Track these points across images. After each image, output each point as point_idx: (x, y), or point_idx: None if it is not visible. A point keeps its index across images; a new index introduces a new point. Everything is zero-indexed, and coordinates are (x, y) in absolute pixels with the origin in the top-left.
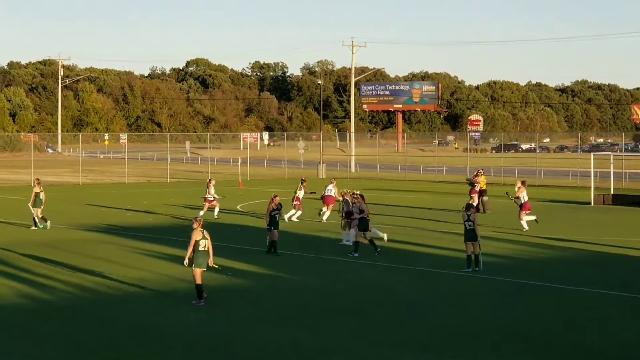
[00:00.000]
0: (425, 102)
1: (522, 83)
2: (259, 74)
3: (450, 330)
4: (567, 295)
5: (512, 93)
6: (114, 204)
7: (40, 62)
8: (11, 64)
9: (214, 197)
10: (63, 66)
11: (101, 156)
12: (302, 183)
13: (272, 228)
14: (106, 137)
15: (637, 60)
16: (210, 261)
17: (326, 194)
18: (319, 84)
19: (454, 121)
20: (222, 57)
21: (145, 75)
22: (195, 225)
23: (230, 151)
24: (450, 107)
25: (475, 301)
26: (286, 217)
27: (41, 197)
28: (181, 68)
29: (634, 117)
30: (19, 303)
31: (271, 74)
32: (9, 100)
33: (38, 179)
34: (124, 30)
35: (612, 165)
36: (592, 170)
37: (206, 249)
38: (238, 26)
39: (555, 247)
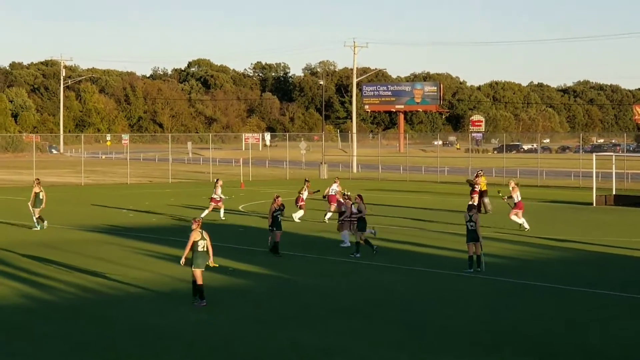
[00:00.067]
0: (427, 102)
1: (524, 83)
2: (260, 74)
3: (451, 330)
4: (568, 295)
5: (513, 93)
6: (116, 204)
7: (42, 63)
8: (13, 65)
9: (220, 198)
10: (65, 67)
11: (103, 157)
12: (305, 183)
13: (274, 229)
14: (108, 138)
15: (639, 60)
16: (211, 261)
17: (330, 193)
18: (320, 84)
19: (456, 122)
20: (224, 57)
21: (147, 75)
22: (194, 226)
23: (232, 152)
24: (452, 108)
25: (475, 301)
26: (296, 218)
27: (41, 197)
28: (183, 69)
29: (636, 117)
30: (20, 303)
31: (273, 74)
32: (11, 101)
33: (38, 179)
34: (126, 31)
35: (614, 165)
36: (594, 170)
37: (205, 249)
38: (240, 27)
39: (556, 248)
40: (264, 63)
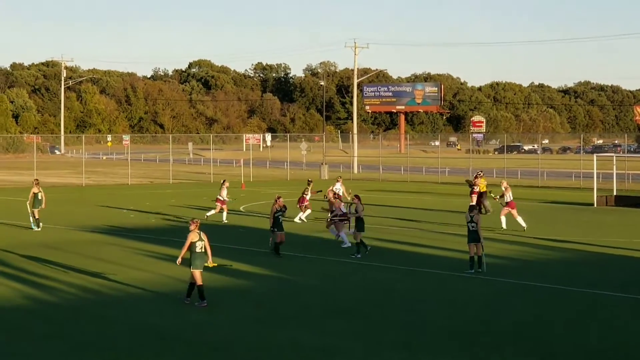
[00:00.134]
0: (428, 103)
1: (525, 84)
2: (261, 75)
3: (451, 330)
4: (568, 296)
5: (514, 94)
6: (117, 205)
7: (43, 64)
8: (14, 66)
9: (224, 199)
10: (66, 67)
11: (104, 157)
12: (308, 184)
13: (276, 230)
14: (109, 139)
15: None
16: (209, 262)
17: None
18: (321, 85)
19: (457, 122)
20: (225, 58)
21: (148, 76)
22: (192, 227)
23: (233, 152)
24: (453, 109)
25: (476, 302)
26: (302, 217)
27: (40, 198)
28: (184, 69)
29: (637, 118)
30: (21, 304)
31: (274, 75)
32: (12, 102)
33: (37, 180)
34: (126, 32)
35: (614, 166)
36: (595, 171)
37: (203, 250)
38: (240, 27)
39: (557, 249)
40: (264, 64)
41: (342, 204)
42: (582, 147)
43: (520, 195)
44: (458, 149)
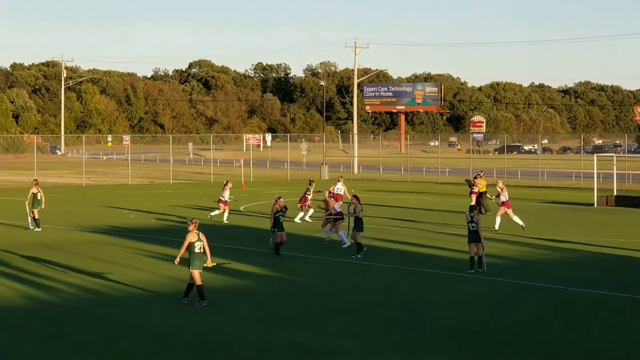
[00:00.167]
0: (428, 103)
1: (525, 84)
2: (261, 75)
3: (451, 330)
4: (568, 296)
5: (514, 94)
6: (117, 205)
7: (43, 64)
8: (14, 66)
9: (226, 200)
10: (66, 68)
11: (104, 158)
12: (310, 184)
13: (276, 230)
14: (109, 139)
15: None
16: (208, 262)
17: (335, 192)
18: (321, 85)
19: (457, 122)
20: (225, 58)
21: (148, 76)
22: (190, 227)
23: (233, 152)
24: (453, 109)
25: (476, 302)
26: (306, 218)
27: (39, 198)
28: (184, 69)
29: (637, 118)
30: (21, 304)
31: (274, 75)
32: (12, 102)
33: (36, 180)
34: (126, 32)
35: (615, 166)
36: (595, 171)
37: (202, 250)
38: (241, 28)
39: (557, 249)
40: (264, 64)
41: (337, 203)
42: (582, 147)
43: (520, 196)
44: (458, 149)
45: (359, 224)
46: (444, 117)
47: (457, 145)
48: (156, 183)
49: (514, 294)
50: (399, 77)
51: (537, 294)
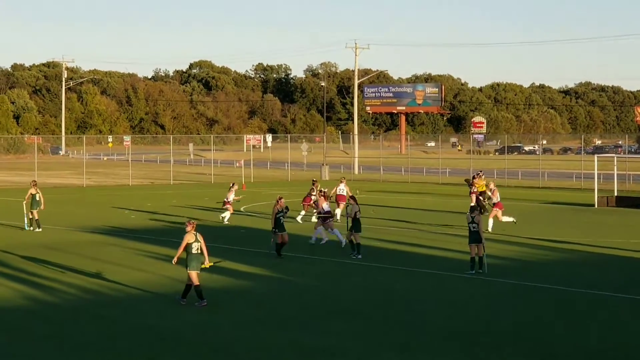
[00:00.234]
0: (429, 104)
1: (526, 85)
2: (262, 76)
3: (451, 331)
4: (568, 297)
5: (515, 95)
6: (118, 206)
7: (44, 64)
8: (15, 66)
9: (230, 202)
10: (67, 68)
11: (105, 158)
12: (313, 184)
13: (277, 231)
14: (110, 140)
15: None
16: (206, 263)
17: (338, 193)
18: (322, 86)
19: (457, 123)
20: (226, 59)
21: (149, 77)
22: (188, 228)
23: (234, 153)
24: (454, 109)
25: (476, 302)
26: (301, 218)
27: (37, 199)
28: (184, 70)
29: (638, 119)
30: (21, 304)
31: (274, 76)
32: (13, 103)
33: (34, 181)
34: (127, 33)
35: (615, 167)
36: (596, 172)
37: (199, 251)
38: (241, 28)
39: (557, 249)
40: (265, 64)
41: (326, 202)
42: (582, 148)
43: (520, 196)
44: (459, 150)
45: (356, 225)
46: (445, 118)
47: (458, 146)
48: (157, 184)
49: (514, 294)
50: (399, 77)
51: (537, 295)
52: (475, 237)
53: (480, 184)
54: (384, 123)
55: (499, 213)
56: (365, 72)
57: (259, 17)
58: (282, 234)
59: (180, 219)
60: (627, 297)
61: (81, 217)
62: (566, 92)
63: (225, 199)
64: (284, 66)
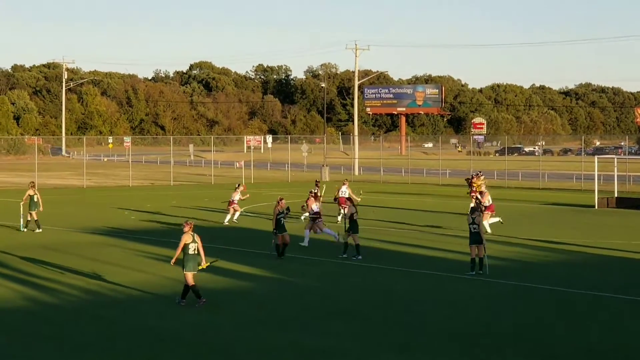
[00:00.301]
0: (429, 105)
1: (526, 86)
2: (262, 77)
3: (451, 332)
4: (568, 298)
5: (515, 96)
6: (118, 206)
7: (44, 65)
8: (15, 67)
9: (234, 201)
10: (67, 69)
11: (105, 159)
12: (316, 184)
13: (278, 232)
14: (110, 140)
15: None
16: (203, 263)
17: (340, 195)
18: (322, 87)
19: (458, 124)
20: (226, 60)
21: (149, 78)
22: (186, 229)
23: (234, 154)
24: (454, 110)
25: (476, 303)
26: (304, 217)
27: (35, 200)
28: (185, 71)
29: (638, 120)
30: (21, 305)
31: (275, 77)
32: (13, 103)
33: (33, 182)
34: (127, 34)
35: (615, 168)
36: (596, 173)
37: (196, 252)
38: (241, 29)
39: (557, 250)
40: (265, 65)
41: (315, 203)
42: (583, 149)
43: (521, 197)
44: (459, 151)
45: (353, 226)
46: (445, 119)
47: (458, 147)
48: (157, 184)
49: (514, 295)
50: (399, 78)
51: (537, 296)
52: (475, 238)
53: (478, 184)
54: (384, 124)
55: (487, 215)
56: (365, 73)
57: (259, 18)
58: (282, 234)
59: (181, 220)
60: (627, 298)
61: (81, 218)
62: (566, 93)
63: (231, 199)
64: (284, 67)
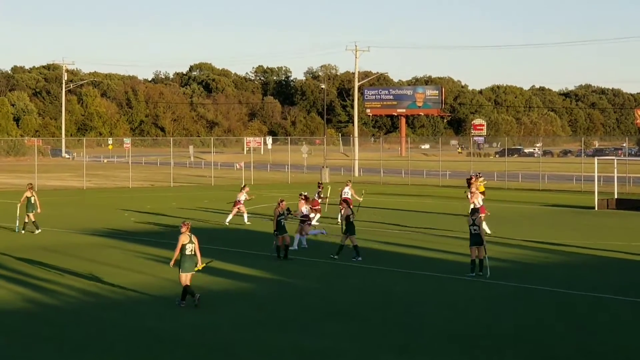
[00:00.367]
0: (429, 106)
1: (526, 87)
2: (262, 78)
3: (451, 334)
4: (569, 299)
5: (515, 97)
6: (118, 208)
7: (44, 67)
8: (15, 69)
9: (238, 201)
10: (67, 71)
11: (105, 161)
12: (319, 186)
13: (278, 233)
14: (110, 142)
15: None
16: (199, 264)
17: (343, 196)
18: (322, 88)
19: (457, 125)
20: (226, 61)
21: (149, 79)
22: (183, 229)
23: (234, 155)
24: (454, 112)
25: (476, 305)
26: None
27: (32, 202)
28: (185, 72)
29: (638, 121)
30: (20, 306)
31: (275, 78)
32: (13, 105)
33: (30, 184)
34: (127, 35)
35: (615, 169)
36: (596, 174)
37: (193, 253)
38: (241, 30)
39: (557, 252)
40: (265, 67)
41: (304, 206)
42: (583, 150)
43: (521, 199)
44: (459, 152)
45: (350, 228)
46: (445, 120)
47: (458, 148)
48: (157, 186)
49: (514, 297)
50: (399, 80)
51: (537, 297)
52: (476, 239)
53: (476, 185)
54: (384, 125)
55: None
56: (365, 75)
57: (259, 20)
58: (283, 236)
59: (181, 222)
60: (627, 299)
61: (81, 220)
62: (566, 94)
63: (237, 199)
64: (284, 68)
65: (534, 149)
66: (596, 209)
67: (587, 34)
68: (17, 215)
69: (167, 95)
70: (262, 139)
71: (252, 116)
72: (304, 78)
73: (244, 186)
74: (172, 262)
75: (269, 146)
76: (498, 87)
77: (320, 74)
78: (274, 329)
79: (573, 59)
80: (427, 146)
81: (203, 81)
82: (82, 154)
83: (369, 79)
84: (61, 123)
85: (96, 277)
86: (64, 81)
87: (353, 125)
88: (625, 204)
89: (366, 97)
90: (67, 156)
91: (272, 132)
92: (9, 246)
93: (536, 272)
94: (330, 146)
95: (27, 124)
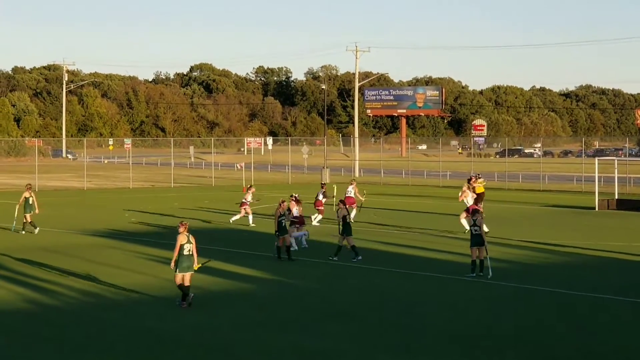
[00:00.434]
0: (429, 107)
1: (526, 88)
2: (262, 78)
3: (451, 334)
4: (569, 300)
5: (516, 98)
6: (118, 208)
7: (44, 67)
8: (16, 69)
9: (246, 202)
10: (67, 71)
11: (105, 161)
12: (322, 187)
13: (279, 234)
14: (110, 142)
15: None
16: (195, 265)
17: (347, 195)
18: (322, 88)
19: (458, 126)
20: (226, 62)
21: (150, 80)
22: (181, 229)
23: (234, 156)
24: (454, 112)
25: (477, 305)
26: (317, 221)
27: (30, 202)
28: (185, 73)
29: (638, 121)
30: (20, 307)
31: (275, 78)
32: (14, 105)
33: (29, 185)
34: (128, 35)
35: (616, 170)
36: (597, 175)
37: (190, 253)
38: (242, 31)
39: (558, 252)
40: (266, 67)
41: (296, 207)
42: (583, 151)
43: (521, 199)
44: (460, 153)
45: (347, 228)
46: (445, 121)
47: (459, 149)
48: (157, 186)
49: (515, 297)
50: (400, 80)
51: (538, 298)
52: (477, 240)
53: (475, 186)
54: (385, 126)
55: (463, 215)
56: (365, 75)
57: (259, 20)
58: (284, 236)
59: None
60: (628, 300)
61: (81, 220)
62: (567, 95)
63: (243, 200)
64: (284, 69)
65: (534, 150)
66: (597, 209)
67: (587, 34)
68: (15, 215)
69: (167, 95)
70: (263, 139)
71: (252, 117)
72: (304, 78)
73: (250, 186)
74: (172, 264)
75: (270, 147)
76: (498, 87)
77: (320, 74)
78: (274, 330)
79: (573, 59)
80: (424, 147)
81: (203, 82)
82: (83, 154)
83: (370, 79)
84: (62, 123)
85: (96, 277)
86: (64, 82)
87: (353, 125)
88: (625, 204)
89: (366, 97)
90: (70, 156)
91: (272, 133)
92: (9, 246)
93: (537, 273)
94: (330, 147)
95: (27, 125)
